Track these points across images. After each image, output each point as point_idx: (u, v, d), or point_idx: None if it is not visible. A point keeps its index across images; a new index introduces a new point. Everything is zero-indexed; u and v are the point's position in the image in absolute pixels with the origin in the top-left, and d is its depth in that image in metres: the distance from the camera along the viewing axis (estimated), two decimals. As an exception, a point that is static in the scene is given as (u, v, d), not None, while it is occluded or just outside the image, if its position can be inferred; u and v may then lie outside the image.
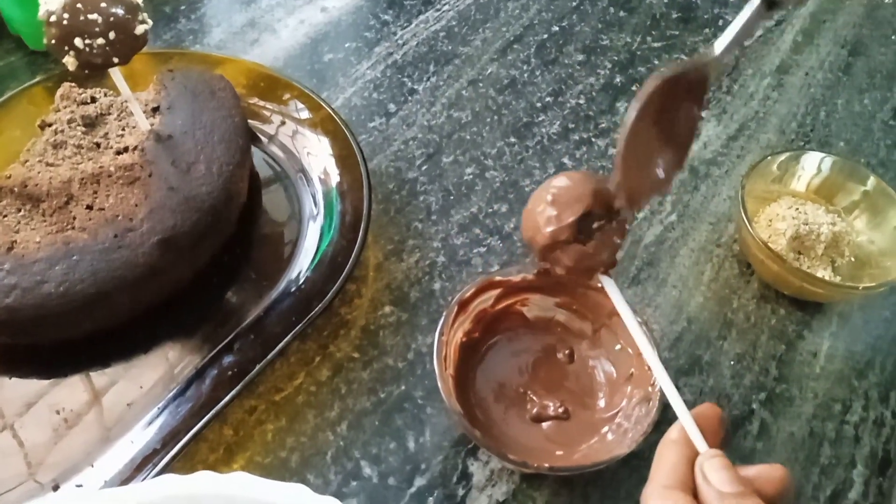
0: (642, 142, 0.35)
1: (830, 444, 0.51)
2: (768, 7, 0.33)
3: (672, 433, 0.36)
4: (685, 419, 0.36)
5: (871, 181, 0.57)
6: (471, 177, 0.63)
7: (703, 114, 0.69)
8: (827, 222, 0.57)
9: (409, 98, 0.68)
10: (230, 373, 0.48)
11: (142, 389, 0.49)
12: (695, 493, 0.33)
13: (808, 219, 0.57)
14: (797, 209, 0.58)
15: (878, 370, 0.55)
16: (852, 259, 0.57)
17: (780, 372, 0.54)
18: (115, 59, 0.46)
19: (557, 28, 0.77)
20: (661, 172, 0.37)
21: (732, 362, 0.54)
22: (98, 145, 0.53)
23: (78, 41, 0.44)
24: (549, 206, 0.39)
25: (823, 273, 0.56)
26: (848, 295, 0.55)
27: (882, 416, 0.53)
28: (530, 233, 0.40)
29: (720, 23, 0.79)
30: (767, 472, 0.35)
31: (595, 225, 0.39)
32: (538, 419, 0.48)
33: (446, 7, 0.77)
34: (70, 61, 0.44)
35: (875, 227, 0.57)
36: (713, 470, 0.34)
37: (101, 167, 0.50)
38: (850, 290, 0.53)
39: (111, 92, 0.56)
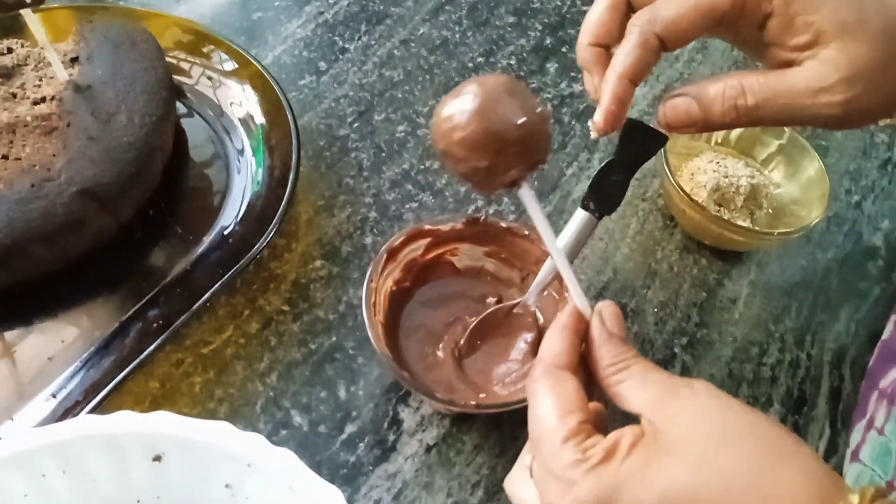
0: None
1: (749, 384, 0.53)
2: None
3: (562, 318, 0.35)
4: (578, 297, 0.35)
5: (787, 134, 0.59)
6: (402, 134, 0.63)
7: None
8: (746, 175, 0.59)
9: (341, 57, 0.68)
10: (155, 325, 0.48)
11: (63, 343, 0.48)
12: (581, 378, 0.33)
13: (728, 172, 0.59)
14: (718, 163, 0.59)
15: (794, 315, 0.57)
16: (770, 211, 0.59)
17: (701, 318, 0.56)
18: (28, 0, 0.44)
19: (489, -9, 0.77)
20: None
21: (656, 309, 0.56)
22: (14, 95, 0.51)
23: (-13, -20, 0.43)
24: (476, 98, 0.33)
25: (742, 223, 0.58)
26: (764, 242, 0.57)
27: (797, 357, 0.55)
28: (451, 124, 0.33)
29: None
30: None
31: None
32: (467, 364, 0.48)
33: (378, -31, 0.77)
34: (-20, 1, 0.43)
35: (790, 177, 0.59)
36: (610, 315, 0.34)
37: (16, 117, 0.49)
38: (766, 237, 0.55)
39: (28, 43, 0.55)
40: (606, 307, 0.35)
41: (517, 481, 0.37)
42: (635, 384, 0.32)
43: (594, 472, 0.29)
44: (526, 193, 0.35)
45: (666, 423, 0.29)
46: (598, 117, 0.37)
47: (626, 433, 0.30)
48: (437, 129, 0.34)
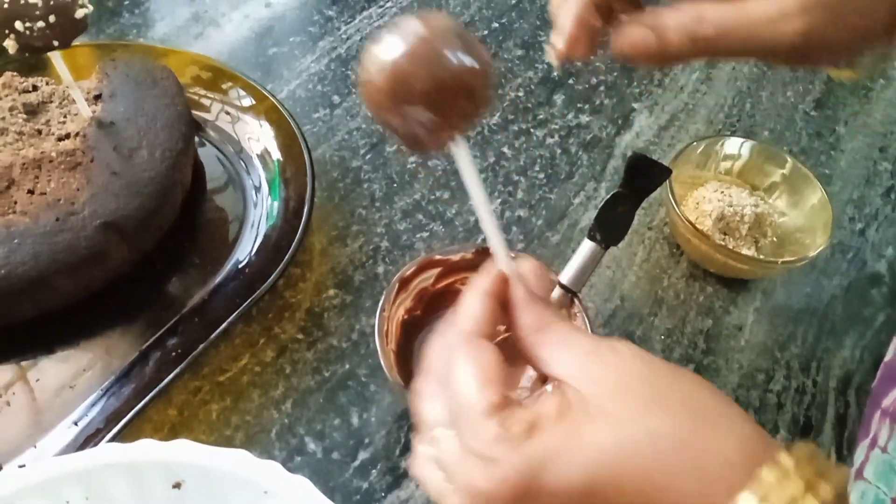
0: None
1: (755, 411, 0.54)
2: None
3: (483, 281, 0.32)
4: (502, 259, 0.32)
5: (789, 163, 0.61)
6: (413, 166, 0.65)
7: (637, 105, 0.72)
8: (750, 204, 0.60)
9: (354, 90, 0.70)
10: (174, 354, 0.49)
11: (85, 372, 0.49)
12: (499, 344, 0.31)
13: (733, 201, 0.60)
14: (722, 192, 0.61)
15: (800, 342, 0.58)
16: (774, 239, 0.60)
17: (708, 345, 0.57)
18: (56, 43, 0.46)
19: (497, 24, 0.79)
20: None
21: (663, 337, 0.57)
22: (39, 132, 0.53)
23: (18, 24, 0.45)
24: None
25: (747, 252, 0.59)
26: (769, 270, 0.58)
27: (803, 384, 0.56)
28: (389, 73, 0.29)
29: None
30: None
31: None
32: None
33: (389, 3, 0.79)
34: (10, 44, 0.45)
35: (794, 206, 0.60)
36: (532, 275, 0.32)
37: (42, 153, 0.50)
38: (771, 265, 0.56)
39: (53, 81, 0.57)
40: (528, 265, 0.33)
41: (424, 461, 0.32)
42: (557, 348, 0.30)
43: (518, 448, 0.27)
44: (461, 145, 0.31)
45: (590, 388, 0.28)
46: (556, 39, 0.35)
47: (548, 403, 0.28)
48: (377, 69, 0.28)
